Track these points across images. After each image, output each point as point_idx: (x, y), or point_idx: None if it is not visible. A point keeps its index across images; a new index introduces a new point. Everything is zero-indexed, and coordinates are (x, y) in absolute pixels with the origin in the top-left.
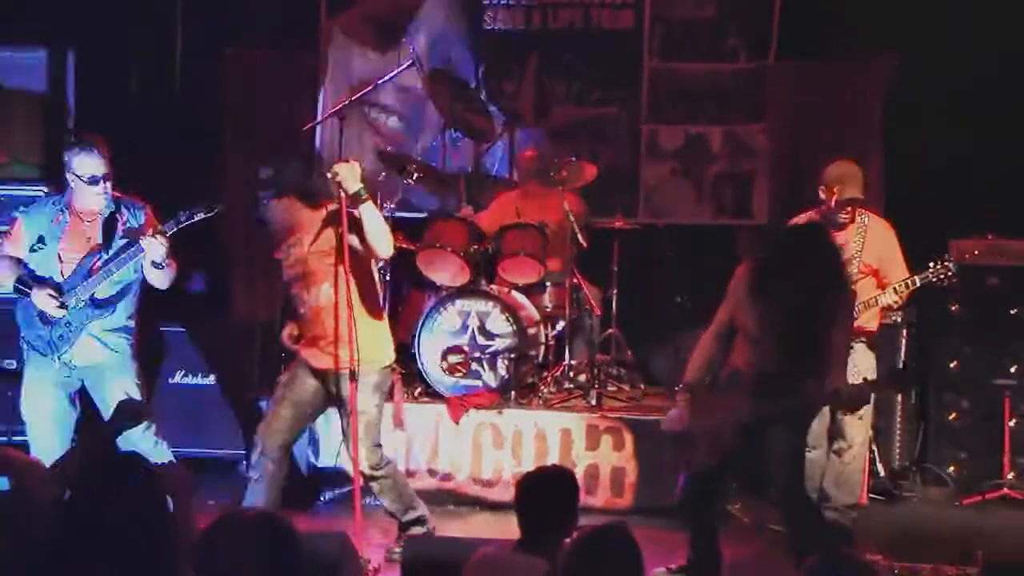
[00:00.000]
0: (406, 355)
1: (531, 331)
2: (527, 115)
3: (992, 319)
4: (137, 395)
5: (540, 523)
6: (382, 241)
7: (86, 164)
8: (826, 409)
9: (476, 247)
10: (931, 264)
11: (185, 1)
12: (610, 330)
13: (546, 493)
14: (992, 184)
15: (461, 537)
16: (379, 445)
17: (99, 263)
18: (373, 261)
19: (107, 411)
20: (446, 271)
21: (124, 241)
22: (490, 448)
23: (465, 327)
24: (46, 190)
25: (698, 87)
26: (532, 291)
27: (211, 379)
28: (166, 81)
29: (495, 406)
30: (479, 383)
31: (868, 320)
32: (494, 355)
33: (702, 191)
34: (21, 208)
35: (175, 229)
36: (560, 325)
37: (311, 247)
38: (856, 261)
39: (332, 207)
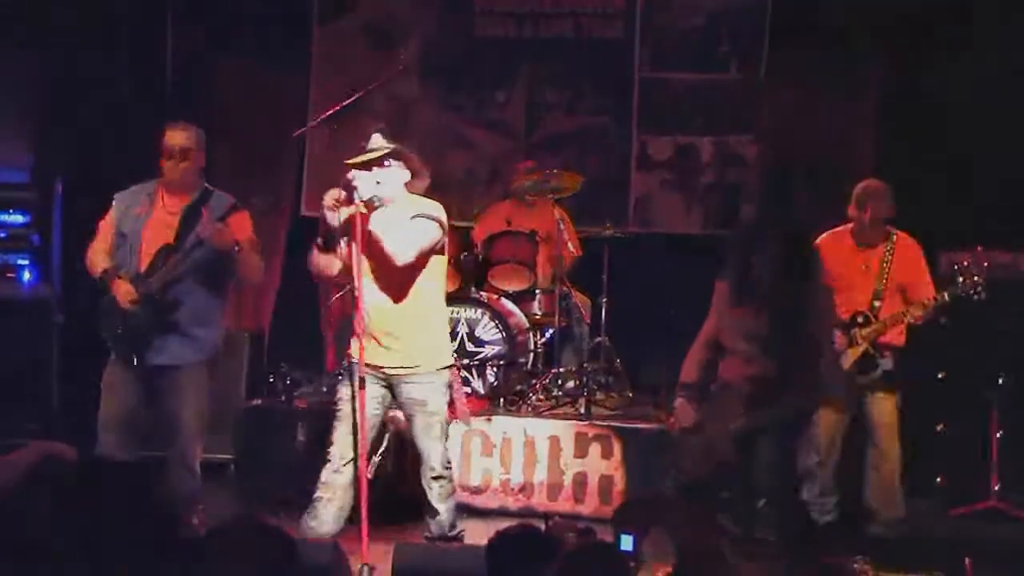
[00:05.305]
0: None
1: (520, 338)
2: (517, 124)
3: (980, 330)
4: (203, 405)
5: None
6: (393, 246)
7: (171, 138)
8: (835, 419)
9: (465, 254)
10: (960, 279)
11: (175, 6)
12: (599, 338)
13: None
14: (982, 195)
15: (447, 545)
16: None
17: (172, 259)
18: (436, 261)
19: (174, 417)
20: None
21: (195, 236)
22: (479, 455)
23: (455, 334)
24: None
25: (689, 97)
26: (521, 299)
27: None
28: (156, 88)
29: (484, 413)
30: (468, 390)
31: (895, 335)
32: (483, 362)
33: (692, 201)
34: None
35: (225, 215)
36: (549, 333)
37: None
38: (884, 278)
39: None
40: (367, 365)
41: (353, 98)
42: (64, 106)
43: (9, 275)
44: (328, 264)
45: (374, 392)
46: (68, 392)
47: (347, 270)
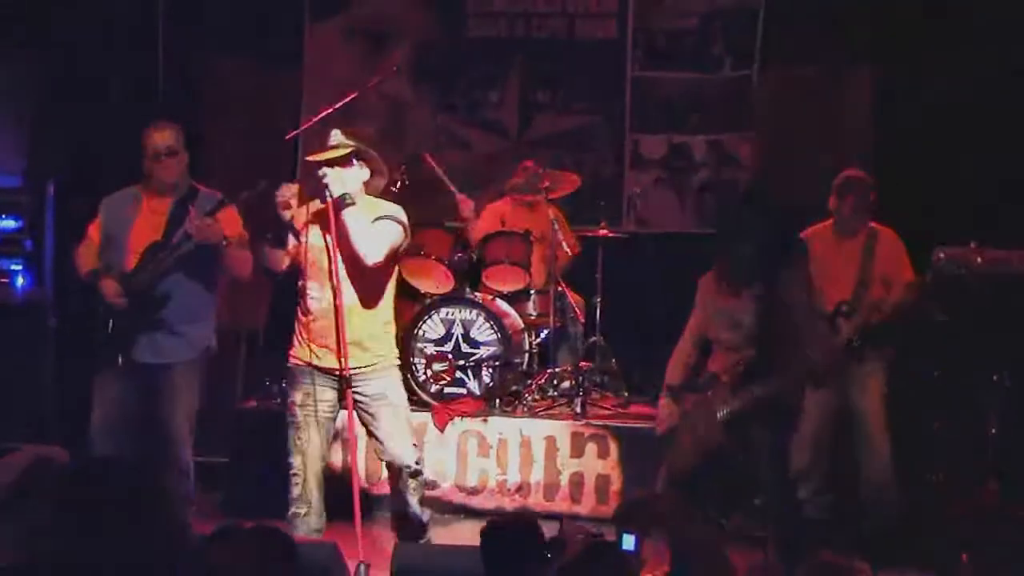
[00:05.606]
0: None
1: (516, 339)
2: (510, 124)
3: (977, 328)
4: (195, 404)
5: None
6: (365, 246)
7: (153, 138)
8: (823, 414)
9: (460, 255)
10: (943, 255)
11: (167, 8)
12: (594, 338)
13: (509, 547)
14: (976, 193)
15: (446, 545)
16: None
17: (159, 255)
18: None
19: (165, 417)
20: (430, 279)
21: (183, 231)
22: (475, 456)
23: (450, 335)
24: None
25: (682, 97)
26: (516, 299)
27: None
28: (148, 90)
29: (480, 414)
30: (464, 391)
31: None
32: (479, 363)
33: (686, 200)
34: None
35: (213, 211)
36: (544, 333)
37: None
38: (867, 269)
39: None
40: (319, 368)
41: (347, 99)
42: (57, 109)
43: (2, 280)
44: (276, 259)
45: (327, 395)
46: (62, 395)
47: (295, 265)
